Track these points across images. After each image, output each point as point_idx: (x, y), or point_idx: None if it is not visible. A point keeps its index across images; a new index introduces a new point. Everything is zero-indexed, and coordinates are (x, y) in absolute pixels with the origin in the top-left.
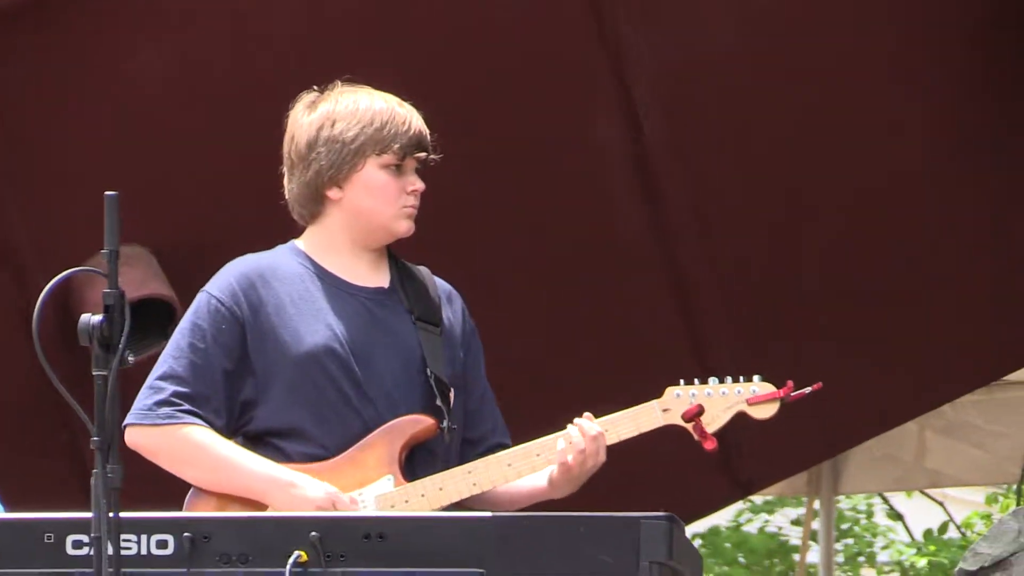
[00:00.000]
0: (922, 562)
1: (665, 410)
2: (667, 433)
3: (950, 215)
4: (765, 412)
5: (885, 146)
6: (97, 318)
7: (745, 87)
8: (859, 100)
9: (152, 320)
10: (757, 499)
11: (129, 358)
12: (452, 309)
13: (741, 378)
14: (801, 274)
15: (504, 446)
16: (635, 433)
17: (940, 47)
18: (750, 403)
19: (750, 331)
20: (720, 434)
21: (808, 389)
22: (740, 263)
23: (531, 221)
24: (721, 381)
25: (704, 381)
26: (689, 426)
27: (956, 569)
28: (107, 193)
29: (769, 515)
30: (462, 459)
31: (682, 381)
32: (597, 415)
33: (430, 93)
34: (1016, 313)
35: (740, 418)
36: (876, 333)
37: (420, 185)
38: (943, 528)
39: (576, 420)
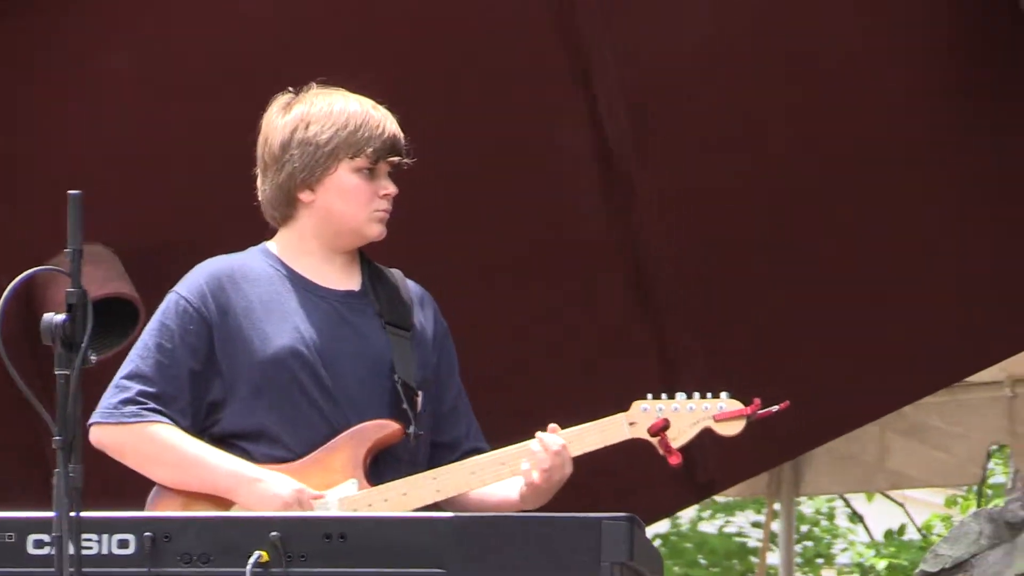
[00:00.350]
0: (882, 564)
1: (632, 423)
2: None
3: (917, 218)
4: (731, 429)
5: (859, 151)
6: (60, 317)
7: (711, 89)
8: (830, 102)
9: (115, 319)
10: (718, 499)
11: (91, 357)
12: (424, 312)
13: (709, 394)
14: (766, 276)
15: (480, 450)
16: (601, 446)
17: (922, 42)
18: (717, 419)
19: (714, 332)
20: (683, 448)
21: (775, 408)
22: (705, 266)
23: (498, 225)
24: (689, 396)
25: (672, 396)
26: (654, 440)
27: (917, 571)
28: (70, 192)
29: (730, 516)
30: (433, 463)
31: (650, 395)
32: (562, 423)
33: (397, 97)
34: (978, 315)
35: (706, 434)
36: (839, 334)
37: (393, 189)
38: (903, 530)
39: (540, 434)
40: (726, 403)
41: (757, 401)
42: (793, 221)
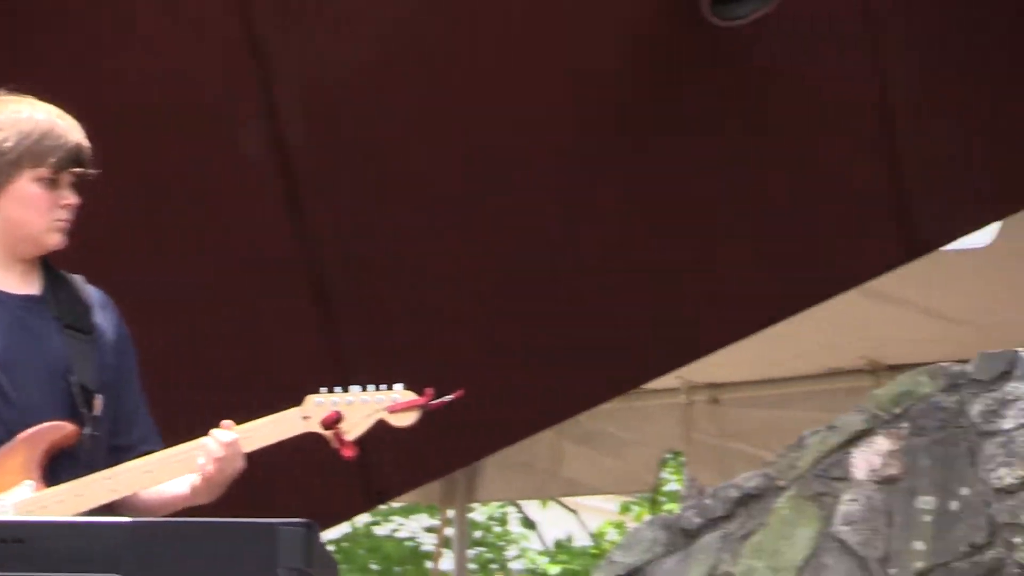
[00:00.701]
0: (555, 570)
1: (305, 417)
2: (306, 439)
3: (597, 220)
4: (405, 420)
5: (532, 157)
6: None
7: (389, 100)
8: (501, 113)
9: None
10: (392, 504)
11: None
12: (105, 316)
13: (383, 386)
14: (445, 281)
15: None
16: (274, 440)
17: (591, 53)
18: (390, 411)
19: (391, 339)
20: (359, 442)
21: (449, 397)
22: (381, 273)
23: (182, 233)
24: (364, 389)
25: (346, 389)
26: (328, 434)
27: None
28: None
29: (404, 519)
30: (112, 466)
31: (323, 389)
32: (240, 424)
33: (83, 106)
34: (654, 322)
35: (381, 426)
36: (513, 340)
37: (74, 200)
38: (575, 537)
39: (213, 430)
40: (400, 394)
41: (430, 391)
42: (472, 224)
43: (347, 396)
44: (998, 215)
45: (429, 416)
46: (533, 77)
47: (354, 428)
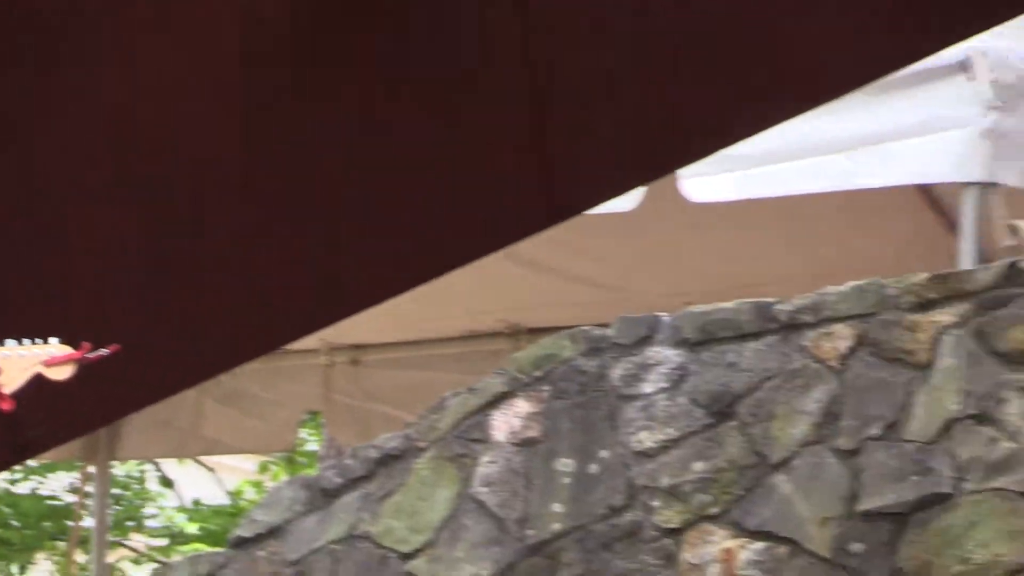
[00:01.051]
0: (193, 528)
1: None
2: None
3: (244, 184)
4: (62, 373)
5: (178, 120)
6: None
7: (41, 57)
8: (155, 70)
9: None
10: (31, 462)
11: None
12: None
13: (39, 340)
14: (94, 243)
15: None
16: None
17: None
18: (47, 364)
19: (41, 298)
20: (14, 395)
21: (105, 351)
22: (32, 229)
23: None
24: (20, 343)
25: (2, 343)
26: None
27: (231, 536)
28: None
29: (43, 477)
30: None
31: None
32: None
33: None
34: (295, 284)
35: (38, 379)
36: (154, 301)
37: None
38: (212, 495)
39: None
40: (56, 348)
41: (87, 345)
42: (122, 186)
43: (3, 350)
44: (641, 180)
45: (77, 373)
46: (194, 27)
47: (11, 382)
